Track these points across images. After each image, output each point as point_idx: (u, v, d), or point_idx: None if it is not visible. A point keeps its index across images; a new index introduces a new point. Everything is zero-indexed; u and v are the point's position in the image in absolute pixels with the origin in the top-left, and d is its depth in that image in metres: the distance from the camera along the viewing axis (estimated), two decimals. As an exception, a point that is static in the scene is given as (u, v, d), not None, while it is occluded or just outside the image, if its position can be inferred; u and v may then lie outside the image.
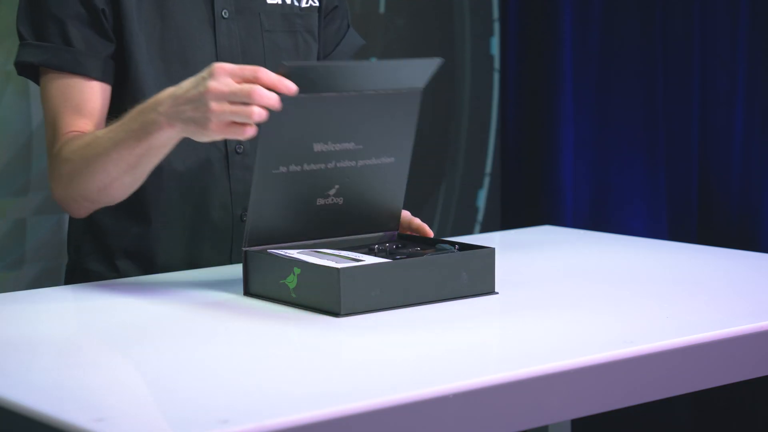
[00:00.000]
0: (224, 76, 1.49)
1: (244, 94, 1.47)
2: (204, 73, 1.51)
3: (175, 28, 1.79)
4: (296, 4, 1.91)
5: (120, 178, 1.66)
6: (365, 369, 1.32)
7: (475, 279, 1.60)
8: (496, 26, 3.25)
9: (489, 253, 1.62)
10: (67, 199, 1.74)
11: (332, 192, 1.65)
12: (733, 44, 2.73)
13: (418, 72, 1.66)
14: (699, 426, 2.86)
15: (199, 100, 1.50)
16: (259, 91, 1.47)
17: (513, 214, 3.26)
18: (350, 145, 1.65)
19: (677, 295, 1.66)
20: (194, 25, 1.80)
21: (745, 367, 1.46)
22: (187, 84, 1.53)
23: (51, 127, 1.76)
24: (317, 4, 1.93)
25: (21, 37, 1.77)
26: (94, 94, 1.76)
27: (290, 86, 1.49)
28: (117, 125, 1.64)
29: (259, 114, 1.47)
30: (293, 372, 1.31)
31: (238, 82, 1.49)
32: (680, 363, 1.38)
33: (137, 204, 1.78)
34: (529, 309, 1.56)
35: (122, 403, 1.18)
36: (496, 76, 3.27)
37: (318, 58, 1.95)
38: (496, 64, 3.27)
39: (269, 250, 1.62)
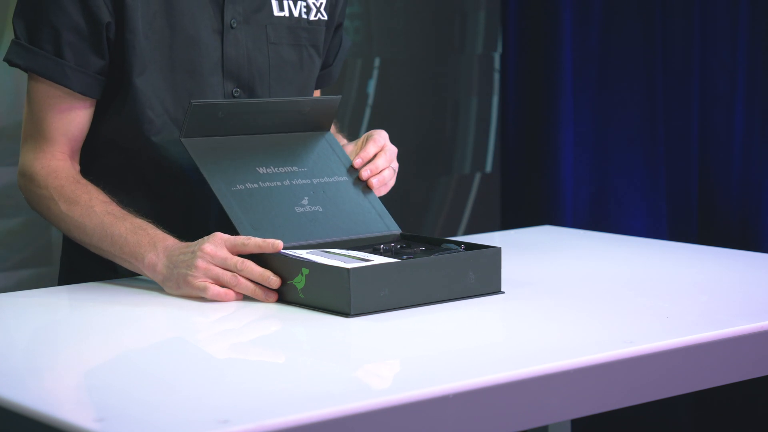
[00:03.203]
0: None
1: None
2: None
3: (184, 36, 1.78)
4: (304, 17, 1.89)
5: (87, 247, 1.75)
6: (366, 369, 1.32)
7: (482, 278, 1.60)
8: (497, 26, 3.25)
9: (495, 252, 1.62)
10: (30, 202, 1.81)
11: (305, 202, 1.69)
12: (733, 44, 2.73)
13: (320, 109, 1.79)
14: (699, 426, 2.86)
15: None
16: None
17: (513, 214, 3.25)
18: (294, 168, 1.73)
19: (677, 295, 1.66)
20: (203, 34, 1.79)
21: (745, 367, 1.46)
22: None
23: (34, 126, 1.79)
24: (325, 17, 1.92)
25: (15, 33, 1.77)
26: (80, 107, 1.78)
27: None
28: (117, 220, 1.70)
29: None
30: (294, 372, 1.31)
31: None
32: (680, 363, 1.38)
33: (140, 211, 1.78)
34: (531, 309, 1.56)
35: (122, 403, 1.18)
36: (496, 76, 3.27)
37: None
38: (496, 64, 3.27)
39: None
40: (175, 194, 1.80)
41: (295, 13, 1.88)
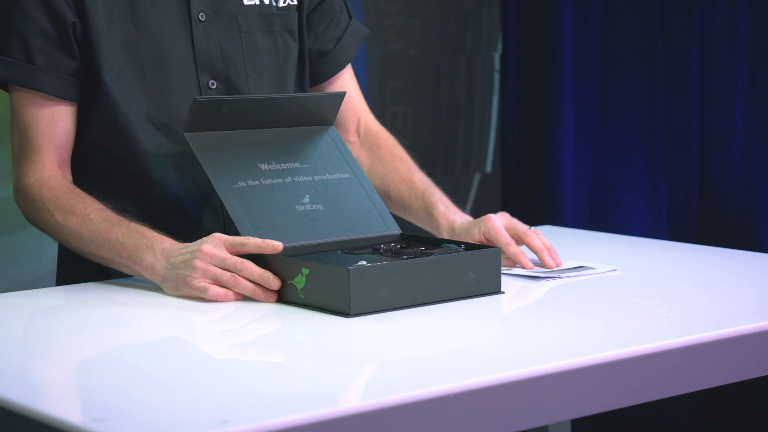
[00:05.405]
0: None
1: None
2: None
3: (150, 34, 1.78)
4: (273, 3, 1.89)
5: (85, 256, 1.75)
6: (366, 369, 1.32)
7: (482, 278, 1.60)
8: (497, 26, 3.25)
9: (495, 252, 1.62)
10: (27, 217, 1.81)
11: (306, 200, 1.69)
12: (733, 44, 2.73)
13: (324, 105, 1.78)
14: (699, 426, 2.86)
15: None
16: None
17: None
18: (296, 165, 1.73)
19: (677, 295, 1.66)
20: (169, 30, 1.80)
21: (745, 367, 1.46)
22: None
23: (21, 139, 1.80)
24: (295, 2, 1.92)
25: None
26: (61, 112, 1.79)
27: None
28: (113, 226, 1.69)
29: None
30: (294, 372, 1.31)
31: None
32: (680, 363, 1.38)
33: (131, 213, 1.78)
34: (531, 309, 1.56)
35: (122, 403, 1.18)
36: (496, 76, 3.27)
37: (312, 59, 1.95)
38: (496, 64, 3.27)
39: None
40: (159, 193, 1.79)
41: (266, 0, 1.88)
